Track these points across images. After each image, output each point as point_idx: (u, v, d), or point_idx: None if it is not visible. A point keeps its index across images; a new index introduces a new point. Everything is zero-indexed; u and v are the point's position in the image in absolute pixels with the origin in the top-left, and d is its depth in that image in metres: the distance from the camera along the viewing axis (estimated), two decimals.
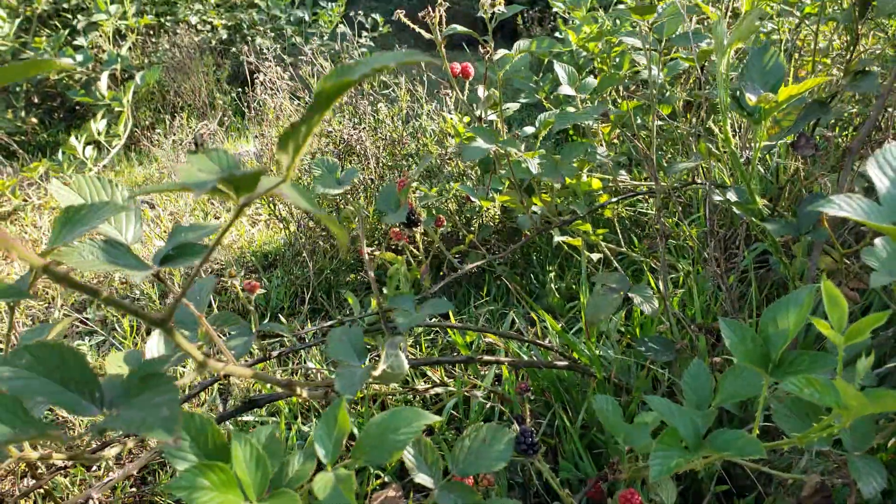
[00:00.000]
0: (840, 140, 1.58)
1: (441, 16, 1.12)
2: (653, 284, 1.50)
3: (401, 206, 1.02)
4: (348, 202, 2.02)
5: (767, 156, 1.56)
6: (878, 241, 0.72)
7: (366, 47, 4.54)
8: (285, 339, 1.78)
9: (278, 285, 2.07)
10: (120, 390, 0.48)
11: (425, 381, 1.58)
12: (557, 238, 1.69)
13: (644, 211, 1.99)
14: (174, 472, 1.31)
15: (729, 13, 1.70)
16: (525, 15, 4.93)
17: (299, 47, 3.81)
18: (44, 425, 0.43)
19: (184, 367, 1.60)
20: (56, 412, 1.51)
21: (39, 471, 0.93)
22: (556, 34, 2.70)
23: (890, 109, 1.27)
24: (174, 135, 3.71)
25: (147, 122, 4.09)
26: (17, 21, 3.91)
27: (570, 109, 2.17)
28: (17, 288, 0.40)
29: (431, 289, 1.14)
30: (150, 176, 3.43)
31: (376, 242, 2.05)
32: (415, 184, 1.43)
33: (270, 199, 2.14)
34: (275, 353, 1.09)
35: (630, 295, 1.16)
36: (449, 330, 1.67)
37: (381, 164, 2.12)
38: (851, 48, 1.22)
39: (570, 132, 2.50)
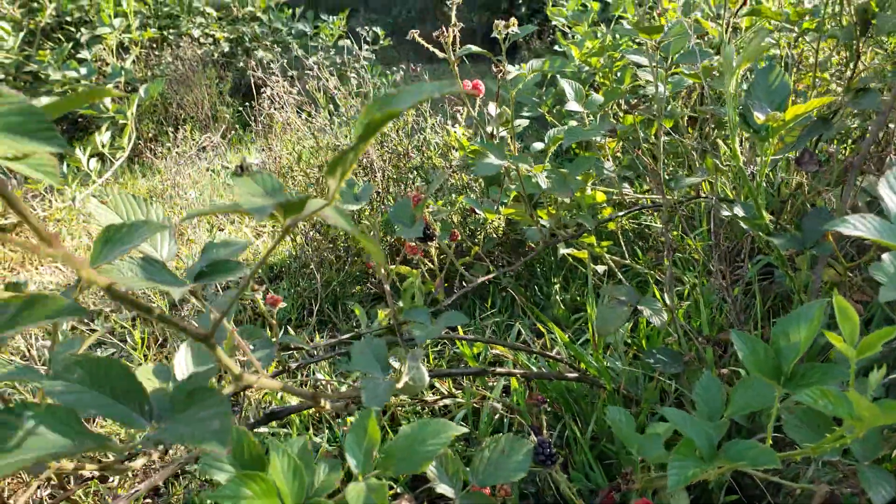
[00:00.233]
0: (841, 154, 1.61)
1: (455, 36, 1.14)
2: (658, 296, 1.52)
3: (416, 221, 1.04)
4: (361, 216, 2.05)
5: (770, 172, 1.59)
6: (885, 256, 0.74)
7: (367, 60, 4.58)
8: (294, 350, 1.79)
9: (285, 297, 2.09)
10: (167, 404, 0.50)
11: (433, 393, 1.60)
12: (563, 250, 1.71)
13: (647, 223, 2.01)
14: (188, 484, 1.32)
15: (729, 29, 1.73)
16: None
17: (302, 60, 3.84)
18: (101, 437, 0.45)
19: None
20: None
21: (67, 480, 0.94)
22: (556, 47, 2.74)
23: (891, 126, 1.30)
24: (178, 147, 3.74)
25: (150, 135, 4.11)
26: (21, 34, 3.93)
27: (573, 123, 2.20)
28: (76, 306, 0.42)
29: (445, 301, 1.16)
30: (154, 188, 3.45)
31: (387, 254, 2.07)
32: (439, 204, 1.45)
33: None
34: (294, 366, 1.10)
35: (639, 308, 1.18)
36: (457, 341, 1.69)
37: (386, 177, 2.14)
38: (853, 66, 1.25)
39: (574, 146, 2.53)
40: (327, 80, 2.25)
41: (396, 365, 0.89)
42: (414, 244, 1.16)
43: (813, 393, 0.65)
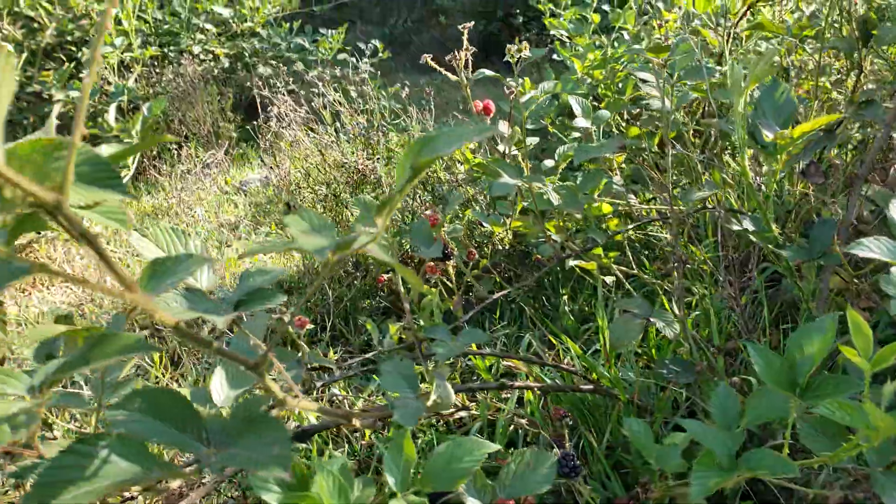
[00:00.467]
0: (840, 160, 1.64)
1: (467, 59, 1.18)
2: (667, 306, 1.55)
3: (434, 241, 1.07)
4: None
5: (776, 183, 1.62)
6: (894, 269, 0.77)
7: (366, 73, 4.62)
8: (318, 368, 1.82)
9: (295, 313, 2.11)
10: (222, 430, 0.53)
11: None
12: (571, 262, 1.74)
13: (653, 234, 2.04)
14: (226, 502, 1.34)
15: (730, 39, 1.77)
16: (523, 38, 5.01)
17: (301, 74, 3.87)
18: (169, 465, 0.48)
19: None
20: None
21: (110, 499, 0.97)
22: (554, 55, 2.77)
23: (894, 135, 1.33)
24: (182, 164, 3.77)
25: (154, 152, 4.14)
26: (24, 56, 3.97)
27: (576, 134, 2.23)
28: (145, 343, 0.45)
29: (462, 318, 1.19)
30: (159, 205, 3.48)
31: (394, 269, 2.10)
32: (447, 219, 1.48)
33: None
34: (319, 384, 1.13)
35: (653, 320, 1.21)
36: (471, 355, 1.72)
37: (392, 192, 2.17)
38: (855, 78, 1.28)
39: None
40: (333, 99, 2.28)
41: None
42: (433, 264, 1.19)
43: (830, 405, 0.68)
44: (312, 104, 2.40)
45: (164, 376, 1.83)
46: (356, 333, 2.07)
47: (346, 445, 1.49)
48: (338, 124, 2.40)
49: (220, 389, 0.79)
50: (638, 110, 2.26)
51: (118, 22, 4.29)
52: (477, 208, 2.21)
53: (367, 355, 1.28)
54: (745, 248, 1.59)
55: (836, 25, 1.62)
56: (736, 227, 1.10)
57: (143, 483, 0.45)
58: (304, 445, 1.51)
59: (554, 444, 1.09)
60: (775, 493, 1.19)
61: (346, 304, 2.13)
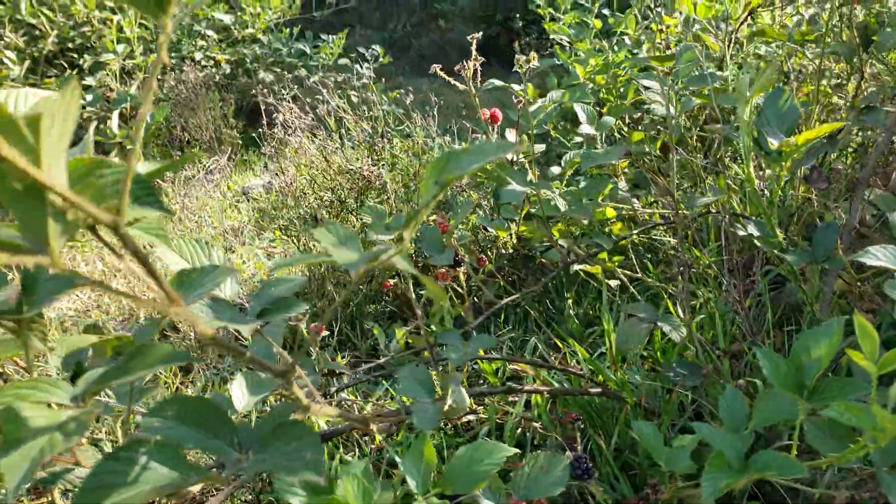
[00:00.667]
0: (841, 164, 1.66)
1: (476, 69, 1.20)
2: (672, 310, 1.57)
3: (445, 248, 1.09)
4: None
5: (778, 190, 1.64)
6: None
7: (369, 79, 4.64)
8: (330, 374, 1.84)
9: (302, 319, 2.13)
10: (252, 436, 0.55)
11: None
12: (576, 266, 1.76)
13: (657, 237, 2.06)
14: None
15: (731, 44, 1.79)
16: (522, 42, 5.04)
17: (303, 79, 3.89)
18: (204, 470, 0.50)
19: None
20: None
21: None
22: (554, 59, 2.78)
23: (895, 139, 1.35)
24: (185, 170, 3.79)
25: (156, 158, 4.16)
26: (26, 63, 3.99)
27: (579, 139, 2.25)
28: (183, 354, 0.47)
29: (472, 324, 1.21)
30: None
31: (399, 274, 2.12)
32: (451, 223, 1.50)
33: (295, 236, 2.21)
34: (333, 389, 1.15)
35: (659, 324, 1.22)
36: (478, 359, 1.73)
37: (397, 198, 2.20)
38: (856, 83, 1.30)
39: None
40: (337, 106, 2.30)
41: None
42: (444, 270, 1.21)
43: (838, 407, 0.70)
44: (317, 111, 2.42)
45: (173, 383, 1.85)
46: (363, 338, 2.09)
47: (357, 449, 1.51)
48: (342, 130, 2.42)
49: (241, 396, 0.81)
50: (639, 115, 2.29)
51: (120, 29, 4.31)
52: (480, 213, 2.22)
53: (379, 361, 1.30)
54: (749, 251, 1.61)
55: (835, 30, 1.64)
56: (741, 232, 1.12)
57: (181, 488, 0.47)
58: None
59: (566, 447, 1.11)
60: (782, 494, 1.21)
61: (353, 309, 2.15)
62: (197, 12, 4.78)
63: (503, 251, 2.20)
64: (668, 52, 1.32)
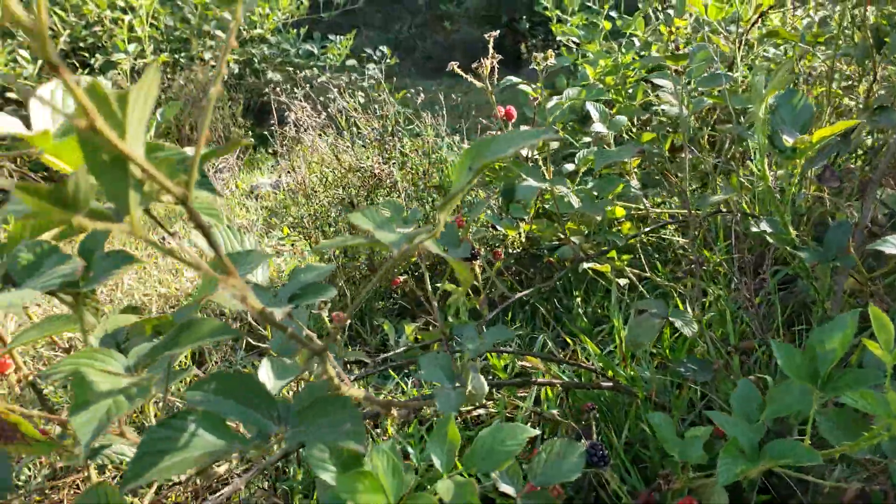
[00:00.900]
0: (853, 163, 1.68)
1: (493, 67, 1.22)
2: (681, 307, 1.58)
3: (461, 242, 1.11)
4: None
5: (792, 187, 1.66)
6: None
7: (374, 78, 4.67)
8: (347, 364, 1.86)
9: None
10: (290, 410, 0.57)
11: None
12: (585, 264, 1.78)
13: (666, 236, 2.08)
14: (255, 492, 1.38)
15: (743, 45, 1.81)
16: (529, 44, 5.07)
17: (311, 79, 3.91)
18: (247, 440, 0.52)
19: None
20: None
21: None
22: (563, 60, 2.80)
23: None
24: None
25: None
26: (39, 63, 4.02)
27: (587, 140, 2.26)
28: (229, 328, 0.49)
29: (487, 317, 1.23)
30: (172, 209, 3.52)
31: (409, 271, 2.14)
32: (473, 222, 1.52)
33: (306, 232, 2.23)
34: (352, 377, 1.17)
35: (671, 319, 1.24)
36: (487, 353, 1.75)
37: (407, 196, 2.22)
38: (869, 84, 1.32)
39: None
40: (348, 105, 2.32)
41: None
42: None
43: (853, 394, 0.72)
44: (329, 110, 2.44)
45: (192, 363, 1.87)
46: (372, 333, 2.11)
47: (370, 440, 1.53)
48: (353, 129, 2.44)
49: (269, 380, 0.83)
50: (647, 116, 2.30)
51: (131, 29, 4.34)
52: (489, 212, 2.24)
53: (388, 354, 1.32)
54: (760, 248, 1.63)
55: (847, 32, 1.66)
56: (754, 230, 1.14)
57: (227, 455, 0.49)
58: None
59: (582, 435, 1.12)
60: (791, 486, 1.22)
61: (362, 304, 2.17)
62: (206, 12, 4.81)
63: (511, 250, 2.22)
64: (681, 53, 1.34)
